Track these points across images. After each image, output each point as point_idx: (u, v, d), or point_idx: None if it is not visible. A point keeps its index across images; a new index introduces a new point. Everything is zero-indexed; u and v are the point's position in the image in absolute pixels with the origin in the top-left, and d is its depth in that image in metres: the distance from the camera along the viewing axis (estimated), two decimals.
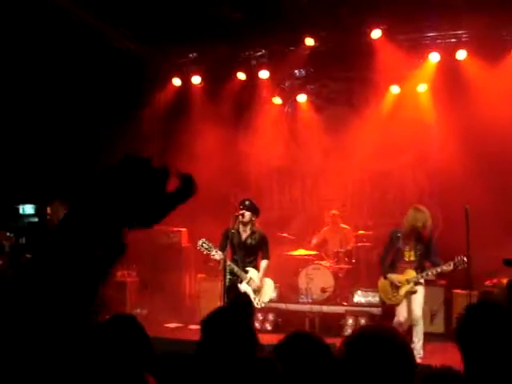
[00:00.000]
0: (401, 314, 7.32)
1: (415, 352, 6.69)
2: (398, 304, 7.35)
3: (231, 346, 2.80)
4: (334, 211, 10.28)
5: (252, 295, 7.50)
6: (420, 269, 7.28)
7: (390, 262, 7.47)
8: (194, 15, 9.24)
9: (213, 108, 10.92)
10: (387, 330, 2.23)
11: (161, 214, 1.43)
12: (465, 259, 6.96)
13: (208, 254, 7.50)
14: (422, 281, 7.30)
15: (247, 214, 7.50)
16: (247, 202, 7.54)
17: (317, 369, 2.60)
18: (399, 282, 7.31)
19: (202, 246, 7.45)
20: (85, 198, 1.29)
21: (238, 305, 3.31)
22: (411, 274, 7.27)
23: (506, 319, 2.28)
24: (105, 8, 9.16)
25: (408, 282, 7.24)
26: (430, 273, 7.27)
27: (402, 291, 7.29)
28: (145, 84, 11.11)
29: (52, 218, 8.49)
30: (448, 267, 7.07)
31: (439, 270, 7.16)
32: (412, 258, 7.30)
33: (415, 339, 7.11)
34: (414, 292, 7.24)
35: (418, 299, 7.26)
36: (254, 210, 7.60)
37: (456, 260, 7.04)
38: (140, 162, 1.34)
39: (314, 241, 10.27)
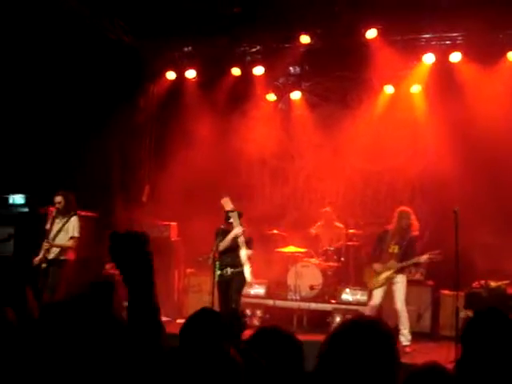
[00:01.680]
0: (376, 297, 8.09)
1: (404, 338, 7.86)
2: (376, 288, 8.07)
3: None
4: (326, 208, 10.28)
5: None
6: (401, 260, 8.01)
7: (378, 254, 8.24)
8: (190, 8, 9.22)
9: (207, 102, 10.88)
10: (372, 321, 2.22)
11: None
12: (439, 253, 7.69)
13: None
14: (402, 277, 8.01)
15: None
16: (233, 213, 7.76)
17: (285, 364, 2.57)
18: (379, 270, 8.04)
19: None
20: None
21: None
22: (393, 263, 8.00)
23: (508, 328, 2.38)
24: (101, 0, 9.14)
25: (388, 268, 7.98)
26: (409, 262, 7.96)
27: (382, 277, 8.02)
28: (139, 76, 11.07)
29: (63, 206, 8.33)
30: (424, 258, 7.86)
31: (416, 260, 7.93)
32: (396, 251, 8.05)
33: (401, 327, 7.91)
34: (393, 278, 7.98)
35: (399, 293, 7.98)
36: (240, 215, 7.87)
37: (431, 253, 7.78)
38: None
39: (313, 231, 10.27)
